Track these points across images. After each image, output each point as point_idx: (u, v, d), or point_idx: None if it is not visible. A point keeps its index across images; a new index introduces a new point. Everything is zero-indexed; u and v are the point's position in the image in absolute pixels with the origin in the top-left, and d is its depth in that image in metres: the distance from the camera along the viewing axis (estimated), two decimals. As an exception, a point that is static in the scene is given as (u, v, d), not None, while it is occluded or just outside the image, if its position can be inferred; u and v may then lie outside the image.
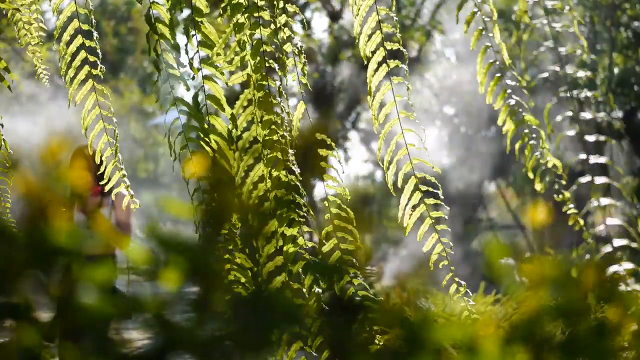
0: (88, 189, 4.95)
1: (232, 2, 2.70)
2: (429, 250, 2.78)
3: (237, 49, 2.72)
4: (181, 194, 2.57)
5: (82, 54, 2.95)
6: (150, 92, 18.95)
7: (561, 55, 4.96)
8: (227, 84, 2.75)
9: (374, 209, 16.28)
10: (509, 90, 3.09)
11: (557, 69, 5.00)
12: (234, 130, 2.73)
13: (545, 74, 5.14)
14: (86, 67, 2.96)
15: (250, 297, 1.10)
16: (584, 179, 5.00)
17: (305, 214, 2.68)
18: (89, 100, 2.98)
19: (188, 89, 2.73)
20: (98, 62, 2.95)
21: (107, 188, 3.08)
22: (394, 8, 2.66)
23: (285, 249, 2.67)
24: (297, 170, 2.70)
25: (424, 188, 2.75)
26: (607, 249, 4.91)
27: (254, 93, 2.73)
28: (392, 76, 2.71)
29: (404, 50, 2.69)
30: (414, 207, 2.74)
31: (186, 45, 2.69)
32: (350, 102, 14.82)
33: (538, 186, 3.39)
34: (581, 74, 4.99)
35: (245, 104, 2.77)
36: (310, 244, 2.72)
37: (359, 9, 2.68)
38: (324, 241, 2.73)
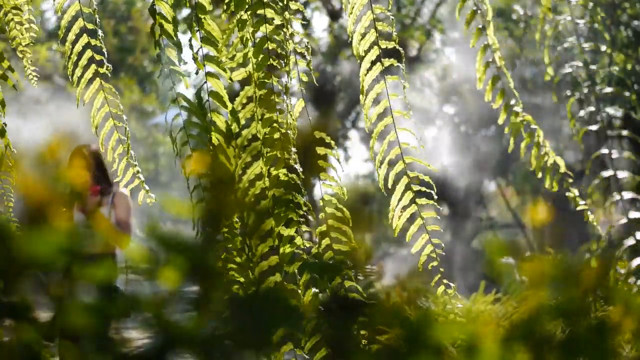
0: (87, 188, 4.95)
1: (236, -2, 2.69)
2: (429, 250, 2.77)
3: (239, 45, 2.71)
4: (181, 194, 2.57)
5: (88, 53, 2.96)
6: (150, 92, 18.95)
7: (584, 50, 4.95)
8: (231, 80, 2.74)
9: (374, 208, 16.28)
10: (509, 89, 3.09)
11: (580, 64, 4.98)
12: (233, 126, 2.71)
13: (569, 70, 5.10)
14: (93, 66, 2.97)
15: (246, 297, 1.10)
16: (606, 173, 4.97)
17: (305, 213, 2.67)
18: (98, 98, 2.99)
19: (187, 87, 2.73)
20: (104, 61, 2.96)
21: (121, 185, 3.11)
22: (390, 7, 2.64)
23: (281, 250, 2.65)
24: (300, 169, 2.69)
25: (417, 188, 2.73)
26: (630, 241, 4.87)
27: (255, 90, 2.72)
28: (389, 75, 2.69)
29: (400, 48, 2.67)
30: (404, 208, 2.72)
31: (190, 40, 2.68)
32: (351, 101, 14.82)
33: (548, 184, 3.38)
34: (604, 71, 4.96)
35: (244, 101, 2.76)
36: (308, 244, 2.71)
37: (353, 7, 2.67)
38: (316, 240, 2.71)
